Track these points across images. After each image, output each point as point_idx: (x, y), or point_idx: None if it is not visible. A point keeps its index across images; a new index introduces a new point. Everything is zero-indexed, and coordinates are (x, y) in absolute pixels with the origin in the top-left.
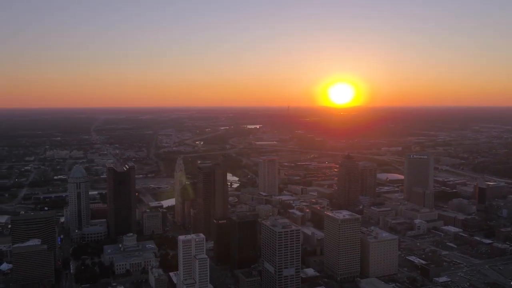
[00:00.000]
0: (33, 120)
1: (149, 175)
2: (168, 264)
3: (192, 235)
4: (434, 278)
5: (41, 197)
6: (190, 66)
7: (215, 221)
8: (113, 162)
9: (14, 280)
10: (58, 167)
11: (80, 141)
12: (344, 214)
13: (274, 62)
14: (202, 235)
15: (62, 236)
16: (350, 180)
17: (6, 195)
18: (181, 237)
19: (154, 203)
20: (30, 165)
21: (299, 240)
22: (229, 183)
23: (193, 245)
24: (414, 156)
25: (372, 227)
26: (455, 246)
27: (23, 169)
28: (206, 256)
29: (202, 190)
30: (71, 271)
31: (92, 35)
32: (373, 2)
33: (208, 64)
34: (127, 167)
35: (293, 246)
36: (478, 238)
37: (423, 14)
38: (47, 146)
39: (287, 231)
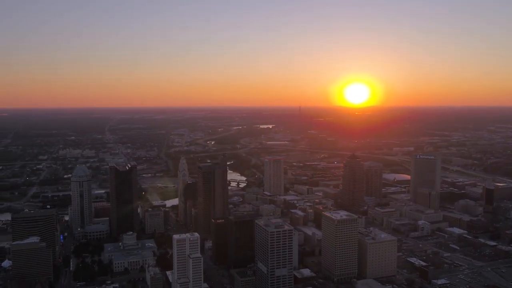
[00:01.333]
0: (49, 120)
1: (157, 174)
2: (166, 263)
3: (187, 234)
4: (433, 280)
5: (49, 195)
6: (205, 66)
7: (213, 220)
8: (123, 161)
9: (13, 277)
10: (69, 166)
11: (93, 141)
12: (341, 214)
13: (289, 63)
14: (196, 234)
15: (66, 234)
16: (355, 181)
17: (16, 193)
18: (175, 236)
19: (157, 202)
20: (42, 164)
21: (291, 240)
22: (236, 183)
23: (188, 244)
24: (421, 156)
25: (371, 228)
26: (458, 248)
27: (35, 168)
28: (200, 255)
29: (202, 189)
30: (71, 268)
31: (108, 35)
32: (388, 2)
33: (223, 65)
34: (129, 166)
35: (286, 246)
36: (482, 240)
37: (438, 14)
38: (60, 145)
39: (280, 231)
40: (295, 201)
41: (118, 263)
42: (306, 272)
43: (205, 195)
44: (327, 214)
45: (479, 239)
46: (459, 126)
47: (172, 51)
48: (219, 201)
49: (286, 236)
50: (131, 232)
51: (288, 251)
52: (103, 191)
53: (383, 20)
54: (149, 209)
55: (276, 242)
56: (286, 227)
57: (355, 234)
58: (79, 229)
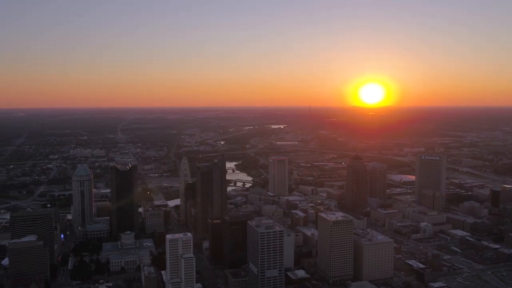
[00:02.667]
0: (63, 119)
1: (164, 174)
2: (163, 262)
3: (180, 234)
4: (430, 283)
5: (56, 194)
6: (219, 66)
7: (210, 220)
8: (132, 161)
9: (10, 275)
10: (78, 165)
11: (105, 140)
12: (337, 215)
13: (303, 63)
14: (189, 234)
15: (68, 233)
16: (358, 182)
17: (24, 192)
18: (168, 236)
19: (158, 202)
20: (52, 163)
21: (282, 241)
22: (242, 183)
23: (180, 244)
24: (426, 157)
25: (368, 229)
26: (459, 251)
27: (45, 167)
28: (193, 256)
29: (200, 189)
30: (69, 267)
31: (122, 35)
32: (402, 3)
33: (237, 65)
34: (130, 166)
35: (277, 247)
36: (485, 243)
37: (452, 14)
38: (72, 145)
39: (270, 232)
40: (298, 202)
41: (115, 262)
42: (301, 273)
43: (203, 195)
44: (322, 215)
45: (482, 242)
46: (473, 127)
47: (186, 51)
48: (217, 201)
49: (276, 237)
50: (129, 232)
51: (279, 252)
52: (108, 191)
53: (396, 20)
54: (150, 208)
55: (267, 243)
56: (277, 228)
57: (351, 236)
58: (79, 228)
